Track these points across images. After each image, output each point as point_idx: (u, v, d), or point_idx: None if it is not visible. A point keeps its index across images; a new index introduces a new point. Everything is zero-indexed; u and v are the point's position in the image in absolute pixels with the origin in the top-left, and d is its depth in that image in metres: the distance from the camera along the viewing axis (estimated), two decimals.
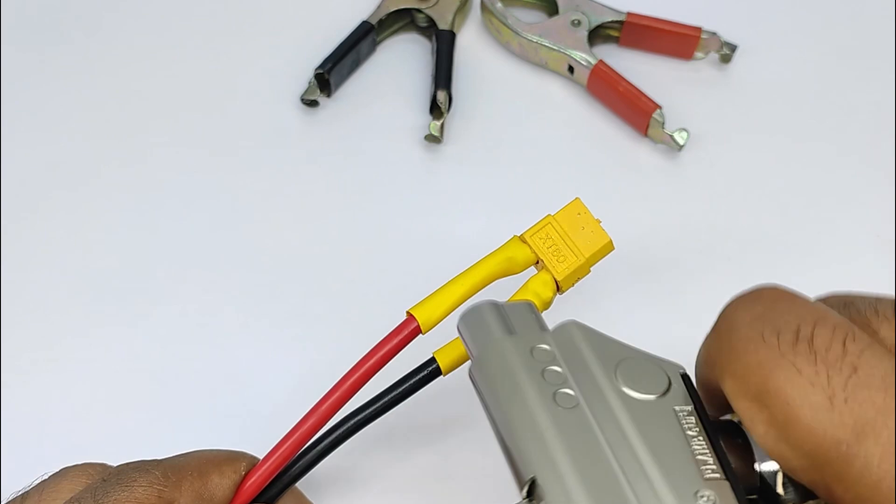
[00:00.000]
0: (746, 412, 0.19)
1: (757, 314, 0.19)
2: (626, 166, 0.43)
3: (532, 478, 0.19)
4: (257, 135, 0.44)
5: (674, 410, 0.20)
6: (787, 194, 0.42)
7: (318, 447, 0.28)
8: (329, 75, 0.43)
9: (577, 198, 0.30)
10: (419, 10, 0.45)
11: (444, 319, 0.28)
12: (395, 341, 0.28)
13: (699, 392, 0.21)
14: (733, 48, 0.45)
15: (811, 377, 0.18)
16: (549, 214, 0.30)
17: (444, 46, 0.44)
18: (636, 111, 0.42)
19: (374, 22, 0.45)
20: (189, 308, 0.39)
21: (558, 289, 0.29)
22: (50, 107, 0.44)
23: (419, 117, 0.44)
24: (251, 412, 0.36)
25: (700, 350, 0.21)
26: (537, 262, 0.29)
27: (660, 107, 0.42)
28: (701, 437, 0.20)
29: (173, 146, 0.43)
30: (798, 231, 0.41)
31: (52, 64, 0.45)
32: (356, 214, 0.41)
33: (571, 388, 0.21)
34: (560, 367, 0.21)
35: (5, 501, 0.26)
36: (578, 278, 0.29)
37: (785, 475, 0.20)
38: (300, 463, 0.28)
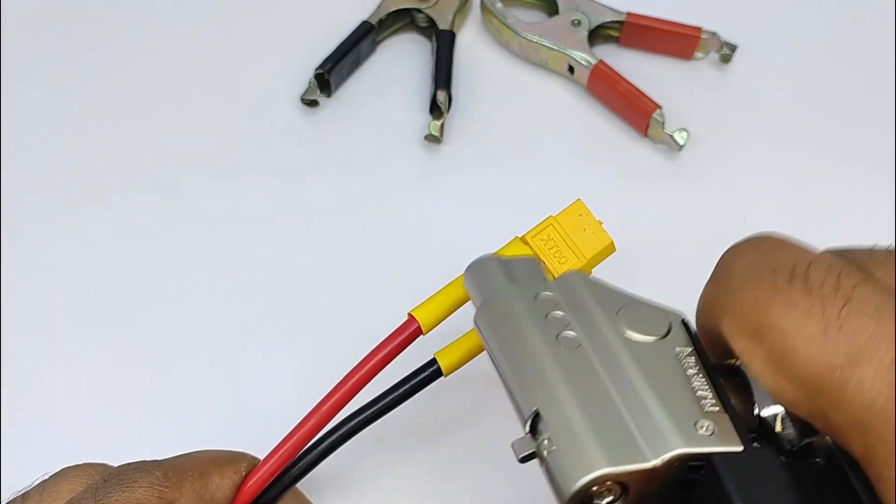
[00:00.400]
0: (744, 349, 0.20)
1: (754, 257, 0.21)
2: (626, 166, 0.43)
3: (535, 412, 0.20)
4: (257, 135, 0.44)
5: (674, 352, 0.21)
6: (787, 194, 0.42)
7: (319, 448, 0.28)
8: (329, 75, 0.43)
9: (578, 199, 0.30)
10: (419, 10, 0.45)
11: (445, 320, 0.28)
12: (396, 342, 0.28)
13: (701, 339, 0.22)
14: (733, 48, 0.45)
15: (806, 310, 0.18)
16: (550, 216, 0.30)
17: (444, 46, 0.44)
18: (636, 111, 0.42)
19: (374, 22, 0.45)
20: (189, 308, 0.39)
21: None
22: (50, 107, 0.44)
23: (419, 117, 0.44)
24: (251, 412, 0.36)
25: (700, 297, 0.22)
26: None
27: (660, 107, 0.42)
28: (701, 376, 0.21)
29: (173, 146, 0.43)
30: (798, 231, 0.41)
31: (52, 64, 0.45)
32: (356, 214, 0.41)
33: (573, 331, 0.21)
34: (562, 312, 0.22)
35: (6, 501, 0.26)
36: None
37: (783, 415, 0.20)
38: (301, 464, 0.28)
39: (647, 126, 0.42)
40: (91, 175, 0.42)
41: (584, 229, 0.29)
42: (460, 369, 0.28)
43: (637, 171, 0.43)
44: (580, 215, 0.30)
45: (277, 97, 0.44)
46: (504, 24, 0.45)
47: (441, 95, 0.42)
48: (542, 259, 0.29)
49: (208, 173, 0.42)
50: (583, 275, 0.23)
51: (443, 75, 0.43)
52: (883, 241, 0.40)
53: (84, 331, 0.39)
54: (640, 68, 0.44)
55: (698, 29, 0.44)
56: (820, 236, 0.41)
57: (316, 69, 0.43)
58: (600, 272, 0.30)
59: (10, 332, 0.38)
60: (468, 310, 0.29)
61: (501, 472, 0.36)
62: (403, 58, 0.46)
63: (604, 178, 0.43)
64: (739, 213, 0.42)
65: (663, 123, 0.42)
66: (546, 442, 0.20)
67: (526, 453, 0.20)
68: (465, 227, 0.41)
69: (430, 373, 0.28)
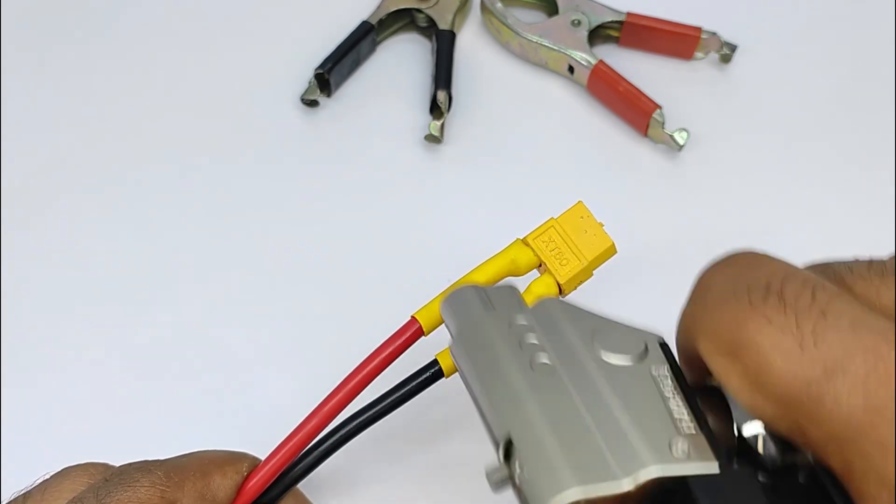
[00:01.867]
0: (721, 368, 0.19)
1: (730, 275, 0.20)
2: (626, 166, 0.43)
3: (507, 438, 0.20)
4: (257, 135, 0.44)
5: (650, 373, 0.21)
6: (787, 194, 0.42)
7: (321, 448, 0.28)
8: (329, 75, 0.43)
9: (579, 201, 0.30)
10: (419, 10, 0.45)
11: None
12: (398, 343, 0.28)
13: (680, 361, 0.22)
14: (733, 48, 0.45)
15: (781, 325, 0.18)
16: (551, 217, 0.30)
17: (444, 46, 0.44)
18: (636, 111, 0.42)
19: (374, 22, 0.45)
20: (190, 308, 0.39)
21: (561, 292, 0.29)
22: (50, 107, 0.44)
23: (419, 117, 0.44)
24: (253, 413, 0.36)
25: (679, 317, 0.21)
26: (540, 265, 0.29)
27: (660, 107, 0.42)
28: (677, 398, 0.20)
29: (173, 146, 0.43)
30: (798, 231, 0.41)
31: (52, 64, 0.45)
32: (356, 214, 0.42)
33: (547, 356, 0.21)
34: (537, 337, 0.21)
35: (7, 501, 0.26)
36: (581, 281, 0.30)
37: (764, 435, 0.20)
38: (302, 464, 0.28)
39: (647, 126, 0.42)
40: (91, 175, 0.42)
41: (586, 231, 0.29)
42: None
43: (637, 171, 0.43)
44: (581, 217, 0.30)
45: (277, 97, 0.44)
46: (504, 24, 0.45)
47: (441, 95, 0.42)
48: (544, 261, 0.29)
49: (208, 173, 0.42)
50: (559, 300, 0.23)
51: (443, 75, 0.43)
52: (883, 240, 0.40)
53: (85, 330, 0.39)
54: (640, 68, 0.45)
55: (698, 29, 0.44)
56: (820, 236, 0.41)
57: (316, 69, 0.43)
58: (598, 271, 0.30)
59: (11, 332, 0.38)
60: None
61: None
62: (403, 58, 0.46)
63: (604, 179, 0.43)
64: (739, 212, 0.42)
65: (663, 123, 0.42)
66: (518, 467, 0.19)
67: (499, 479, 0.20)
68: (465, 227, 0.41)
69: (431, 374, 0.28)
